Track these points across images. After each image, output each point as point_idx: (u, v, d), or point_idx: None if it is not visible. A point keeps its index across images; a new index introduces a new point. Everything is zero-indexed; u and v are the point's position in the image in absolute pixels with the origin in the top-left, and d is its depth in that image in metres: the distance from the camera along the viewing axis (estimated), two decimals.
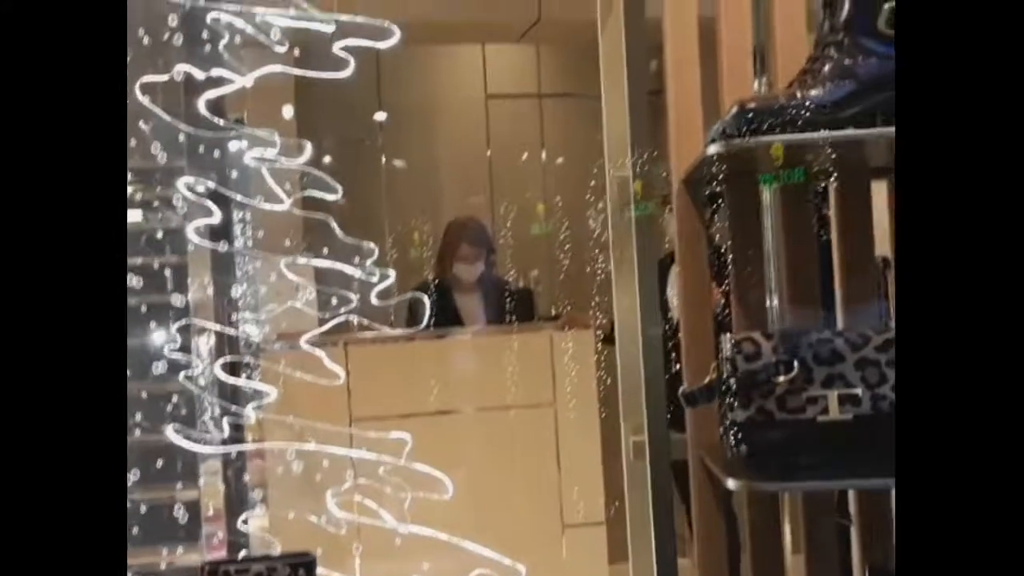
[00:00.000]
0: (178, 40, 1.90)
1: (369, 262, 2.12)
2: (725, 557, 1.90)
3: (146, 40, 1.88)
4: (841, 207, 1.93)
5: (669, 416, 2.06)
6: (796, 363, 1.55)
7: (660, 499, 2.03)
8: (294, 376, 2.10)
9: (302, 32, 2.01)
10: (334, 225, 2.12)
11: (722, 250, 1.97)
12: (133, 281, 1.92)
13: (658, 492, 2.03)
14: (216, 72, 1.91)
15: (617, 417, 2.30)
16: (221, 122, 1.76)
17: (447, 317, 4.21)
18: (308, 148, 1.96)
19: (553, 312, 5.18)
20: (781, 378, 1.54)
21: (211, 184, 1.94)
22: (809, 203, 1.89)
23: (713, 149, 1.58)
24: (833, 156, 1.65)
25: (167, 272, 2.18)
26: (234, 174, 1.87)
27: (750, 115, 1.55)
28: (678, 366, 1.94)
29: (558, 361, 3.80)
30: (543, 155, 6.00)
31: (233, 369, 2.04)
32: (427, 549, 2.56)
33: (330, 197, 2.05)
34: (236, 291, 2.05)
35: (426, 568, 2.82)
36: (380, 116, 5.61)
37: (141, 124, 1.88)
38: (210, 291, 2.11)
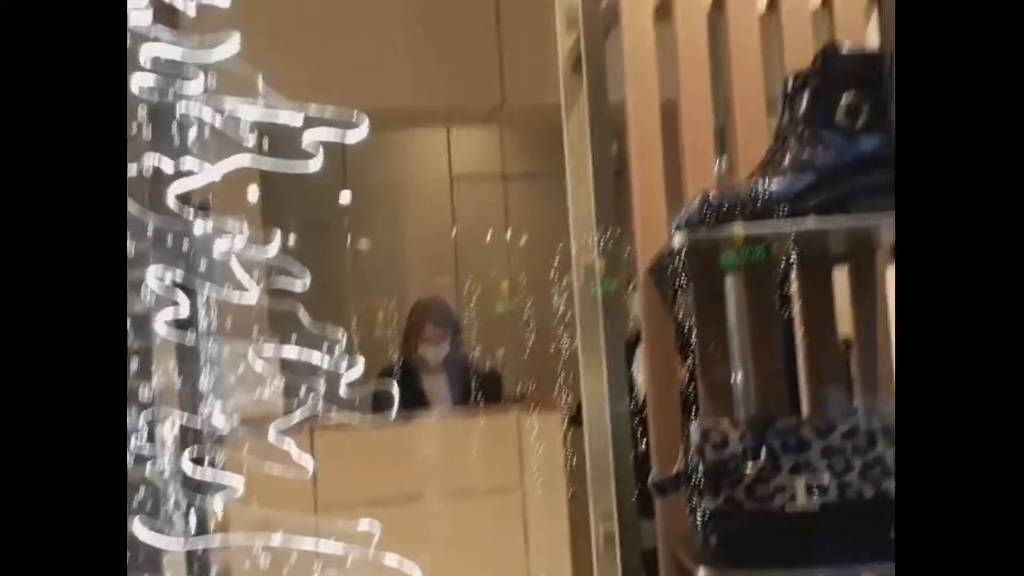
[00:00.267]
0: (147, 133, 1.91)
1: (337, 350, 2.12)
2: None
3: None
4: (803, 294, 1.96)
5: (637, 498, 2.06)
6: (763, 451, 1.56)
7: None
8: (260, 466, 2.08)
9: (270, 123, 2.03)
10: (302, 313, 2.12)
11: (686, 327, 1.99)
12: None
13: None
14: (184, 164, 1.92)
15: (585, 493, 2.30)
16: (190, 214, 1.77)
17: (413, 399, 4.20)
18: (277, 238, 1.96)
19: (519, 388, 5.19)
20: (749, 466, 1.55)
21: (179, 274, 1.94)
22: (771, 281, 1.92)
23: (677, 240, 1.60)
24: (795, 245, 1.68)
25: (133, 359, 2.16)
26: (202, 264, 1.87)
27: (713, 206, 1.58)
28: (645, 442, 1.95)
29: (525, 443, 3.79)
30: (508, 234, 6.05)
31: (198, 459, 2.02)
32: None
33: (297, 286, 2.05)
34: (202, 380, 2.04)
35: None
36: (345, 197, 5.64)
37: None
38: (176, 379, 2.10)
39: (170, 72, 1.90)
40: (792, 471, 1.55)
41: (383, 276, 5.72)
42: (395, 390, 2.34)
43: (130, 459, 1.92)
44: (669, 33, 1.92)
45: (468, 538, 3.65)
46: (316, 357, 2.09)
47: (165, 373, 2.07)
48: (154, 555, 1.99)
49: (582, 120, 2.13)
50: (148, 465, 1.93)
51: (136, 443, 1.94)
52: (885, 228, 1.68)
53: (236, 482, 1.96)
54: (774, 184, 1.59)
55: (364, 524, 2.26)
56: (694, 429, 1.62)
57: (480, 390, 4.36)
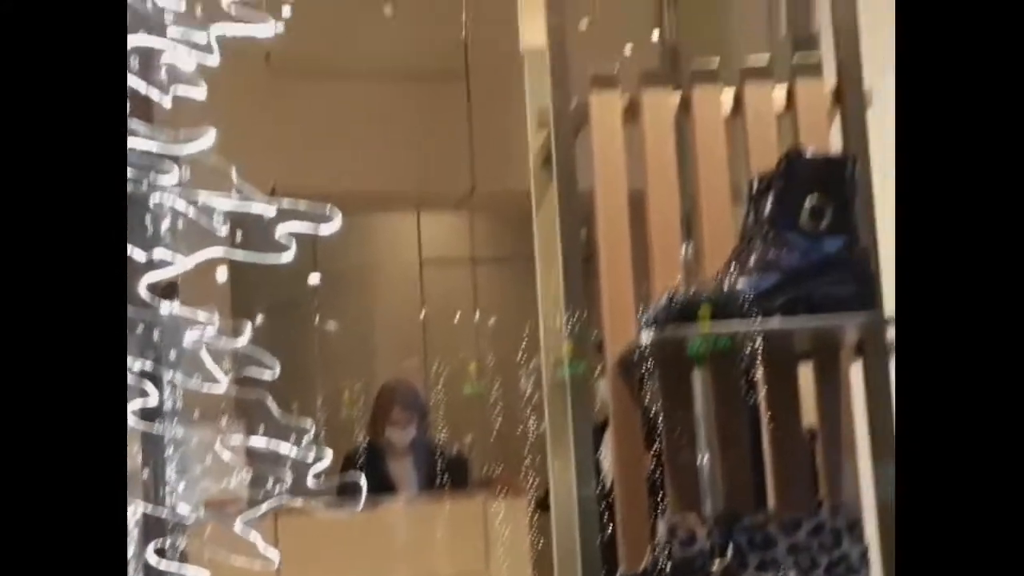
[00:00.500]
0: None
1: (305, 440, 2.12)
2: None
3: None
4: (768, 387, 1.98)
5: None
6: (730, 548, 1.57)
7: None
8: (224, 555, 2.06)
9: (243, 214, 2.04)
10: (271, 402, 2.12)
11: (654, 416, 2.01)
12: None
13: None
14: (157, 255, 1.93)
15: None
16: (161, 305, 1.77)
17: (379, 484, 4.17)
18: (248, 329, 1.97)
19: (485, 471, 5.16)
20: (716, 563, 1.56)
21: (148, 364, 1.94)
22: (737, 374, 1.94)
23: (645, 337, 1.62)
24: (760, 342, 1.70)
25: None
26: (172, 353, 1.88)
27: (679, 304, 1.61)
28: (612, 528, 1.95)
29: (491, 528, 3.77)
30: (476, 317, 6.06)
31: (161, 550, 2.00)
32: None
33: (266, 375, 2.05)
34: (168, 469, 2.03)
35: None
36: (315, 279, 5.65)
37: None
38: (140, 468, 2.09)
39: (145, 164, 1.92)
40: (759, 568, 1.56)
41: (351, 358, 5.71)
42: (362, 481, 2.31)
43: None
44: (637, 132, 1.97)
45: None
46: (284, 448, 2.08)
47: (130, 460, 2.04)
48: None
49: (552, 210, 2.16)
50: None
51: None
52: (848, 327, 1.72)
53: (200, 575, 1.94)
54: (740, 283, 1.63)
55: None
56: (661, 525, 1.62)
57: (446, 474, 4.34)
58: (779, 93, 1.94)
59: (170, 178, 1.93)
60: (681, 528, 1.59)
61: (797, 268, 1.62)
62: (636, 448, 1.94)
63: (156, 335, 2.00)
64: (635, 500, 1.91)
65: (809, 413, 2.01)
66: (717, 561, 1.55)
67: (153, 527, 2.09)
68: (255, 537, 2.08)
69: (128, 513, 1.99)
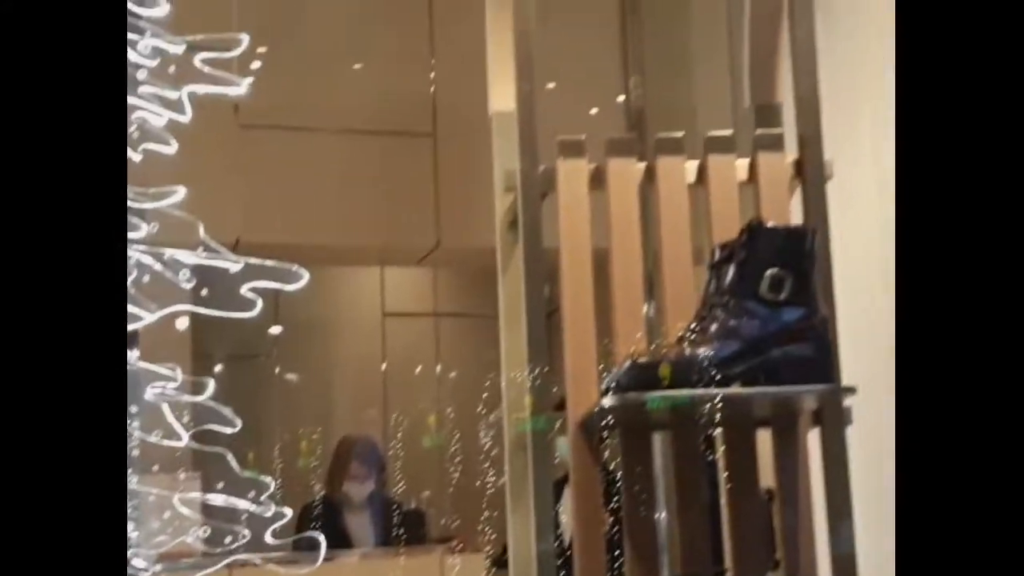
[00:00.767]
0: None
1: (264, 496, 2.11)
2: None
3: None
4: (727, 451, 2.00)
5: None
6: None
7: None
8: None
9: (208, 269, 2.05)
10: (230, 458, 2.12)
11: (613, 471, 2.02)
12: None
13: None
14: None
15: None
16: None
17: (336, 537, 4.15)
18: (211, 385, 1.97)
19: (443, 523, 5.14)
20: None
21: None
22: (696, 437, 1.96)
23: (607, 402, 1.65)
24: (720, 408, 1.73)
25: None
26: (132, 407, 1.88)
27: (641, 371, 1.64)
28: None
29: None
30: (437, 370, 6.07)
31: None
32: None
33: (227, 430, 2.05)
34: (128, 527, 2.02)
35: None
36: (277, 330, 5.64)
37: None
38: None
39: None
40: None
41: (311, 409, 5.69)
42: (321, 538, 2.30)
43: None
44: (603, 198, 2.00)
45: None
46: (242, 504, 2.08)
47: None
48: None
49: (517, 271, 2.18)
50: None
51: None
52: (807, 396, 1.75)
53: None
54: (701, 350, 1.65)
55: None
56: None
57: (404, 529, 4.32)
58: (742, 165, 1.98)
59: (138, 233, 1.94)
60: None
61: (757, 337, 1.65)
62: (595, 506, 1.95)
63: None
64: (593, 557, 1.92)
65: (767, 473, 2.03)
66: None
67: None
68: None
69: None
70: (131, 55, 1.95)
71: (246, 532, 2.20)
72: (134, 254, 1.92)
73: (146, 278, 1.97)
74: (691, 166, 1.99)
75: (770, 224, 1.72)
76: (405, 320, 5.97)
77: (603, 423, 1.84)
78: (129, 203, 1.97)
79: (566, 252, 2.01)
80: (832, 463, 1.91)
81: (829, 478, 1.92)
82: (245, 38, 2.22)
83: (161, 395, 1.95)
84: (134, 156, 2.03)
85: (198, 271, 2.05)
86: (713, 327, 1.67)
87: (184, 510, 2.09)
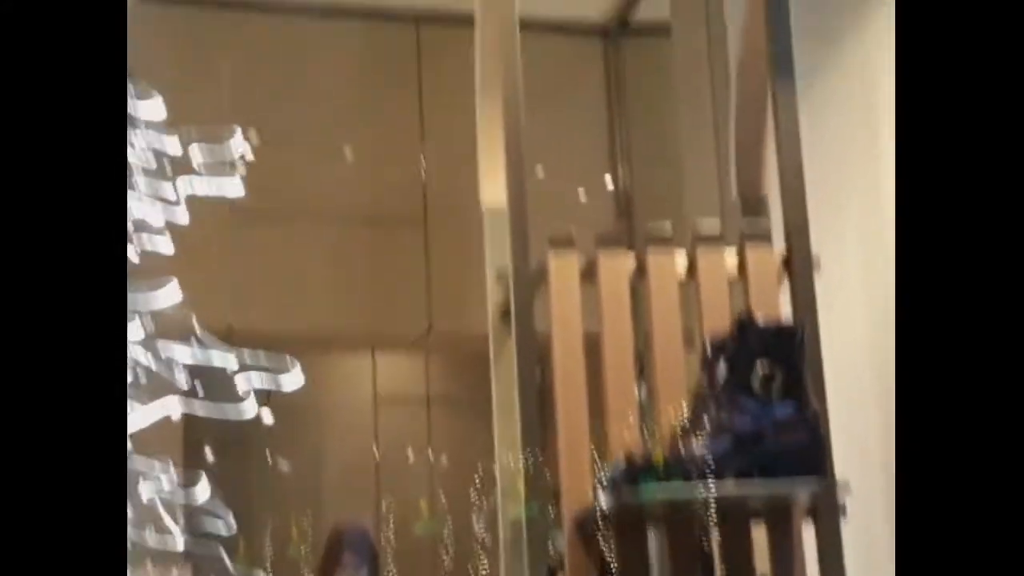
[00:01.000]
0: None
1: None
2: None
3: None
4: (722, 542, 2.00)
5: None
6: None
7: None
8: None
9: (204, 366, 2.06)
10: (223, 554, 2.10)
11: (607, 560, 2.01)
12: None
13: None
14: None
15: None
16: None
17: None
18: (204, 482, 1.97)
19: None
20: None
21: None
22: (692, 529, 1.96)
23: (602, 499, 1.65)
24: (714, 502, 1.73)
25: None
26: (128, 510, 1.87)
27: (636, 468, 1.65)
28: None
29: None
30: (430, 455, 6.03)
31: None
32: None
33: (222, 529, 2.05)
34: None
35: None
36: (267, 416, 5.62)
37: None
38: None
39: None
40: None
41: (303, 496, 5.64)
42: None
43: None
44: (594, 290, 2.02)
45: None
46: None
47: None
48: None
49: (510, 361, 2.19)
50: None
51: None
52: (800, 491, 1.75)
53: None
54: (694, 446, 1.67)
55: None
56: None
57: None
58: (731, 257, 2.01)
59: (134, 330, 1.96)
60: None
61: (750, 432, 1.67)
62: None
63: None
64: None
65: (763, 561, 2.03)
66: None
67: None
68: None
69: None
70: (128, 153, 1.98)
71: None
72: (133, 352, 1.93)
73: (141, 375, 1.98)
74: (681, 259, 2.01)
75: (760, 320, 1.74)
76: (397, 405, 5.95)
77: (598, 519, 1.84)
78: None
79: (558, 341, 2.03)
80: (827, 556, 1.91)
81: (824, 570, 1.92)
82: (238, 130, 2.26)
83: (155, 493, 1.95)
84: (132, 256, 2.05)
85: (193, 368, 2.06)
86: (705, 422, 1.68)
87: None
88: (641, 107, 5.30)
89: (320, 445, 5.96)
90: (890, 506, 1.16)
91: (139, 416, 1.89)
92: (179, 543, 1.98)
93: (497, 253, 2.14)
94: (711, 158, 4.16)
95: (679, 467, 1.63)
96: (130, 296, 1.86)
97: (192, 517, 2.04)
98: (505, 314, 2.13)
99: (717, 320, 1.93)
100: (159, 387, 1.99)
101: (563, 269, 1.99)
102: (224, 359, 1.92)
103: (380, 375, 5.89)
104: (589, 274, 2.02)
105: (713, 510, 1.80)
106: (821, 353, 1.91)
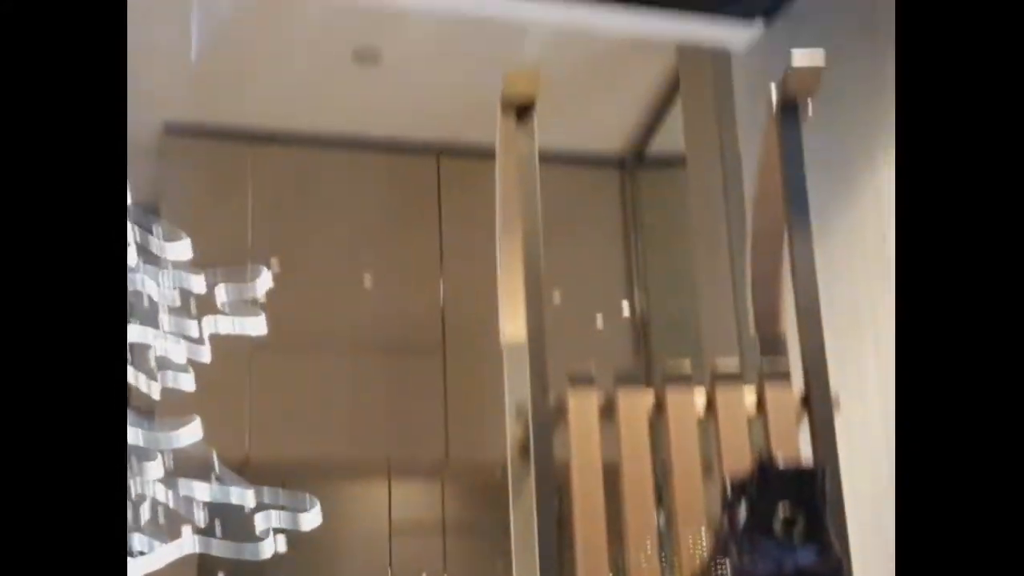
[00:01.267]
0: None
1: None
2: None
3: None
4: None
5: None
6: None
7: None
8: None
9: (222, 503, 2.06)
10: None
11: None
12: None
13: None
14: (134, 543, 1.94)
15: None
16: None
17: None
18: None
19: None
20: None
21: None
22: None
23: None
24: None
25: None
26: None
27: None
28: None
29: None
30: None
31: None
32: None
33: None
34: None
35: None
36: (281, 543, 5.56)
37: None
38: None
39: (128, 454, 1.95)
40: None
41: None
42: None
43: None
44: (613, 426, 2.03)
45: None
46: None
47: None
48: None
49: (529, 494, 2.18)
50: None
51: None
52: None
53: None
54: None
55: None
56: None
57: None
58: (749, 395, 2.01)
59: (155, 467, 1.97)
60: None
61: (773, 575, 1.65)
62: None
63: None
64: None
65: None
66: None
67: None
68: None
69: None
70: (154, 292, 2.02)
71: None
72: (148, 489, 1.93)
73: (160, 513, 1.98)
74: (700, 396, 2.01)
75: (781, 463, 1.74)
76: (413, 533, 5.89)
77: None
78: (146, 438, 1.99)
79: (577, 473, 2.02)
80: None
81: None
82: (264, 270, 2.30)
83: None
84: (153, 389, 2.06)
85: (211, 506, 2.06)
86: (727, 568, 1.67)
87: None
88: (657, 235, 5.37)
89: (335, 572, 5.88)
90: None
91: (157, 556, 1.88)
92: None
93: (516, 387, 2.15)
94: (727, 286, 4.19)
95: None
96: (152, 435, 1.87)
97: None
98: (524, 449, 2.12)
99: (736, 457, 1.92)
100: (177, 525, 1.99)
101: (582, 406, 2.00)
102: (243, 496, 1.92)
103: (396, 502, 5.85)
104: (608, 410, 2.02)
105: None
106: (843, 495, 1.89)
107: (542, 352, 2.01)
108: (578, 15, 3.91)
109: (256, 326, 2.11)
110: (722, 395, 1.99)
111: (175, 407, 2.37)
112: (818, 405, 1.96)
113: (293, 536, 5.54)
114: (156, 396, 2.01)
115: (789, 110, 2.06)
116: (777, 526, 1.66)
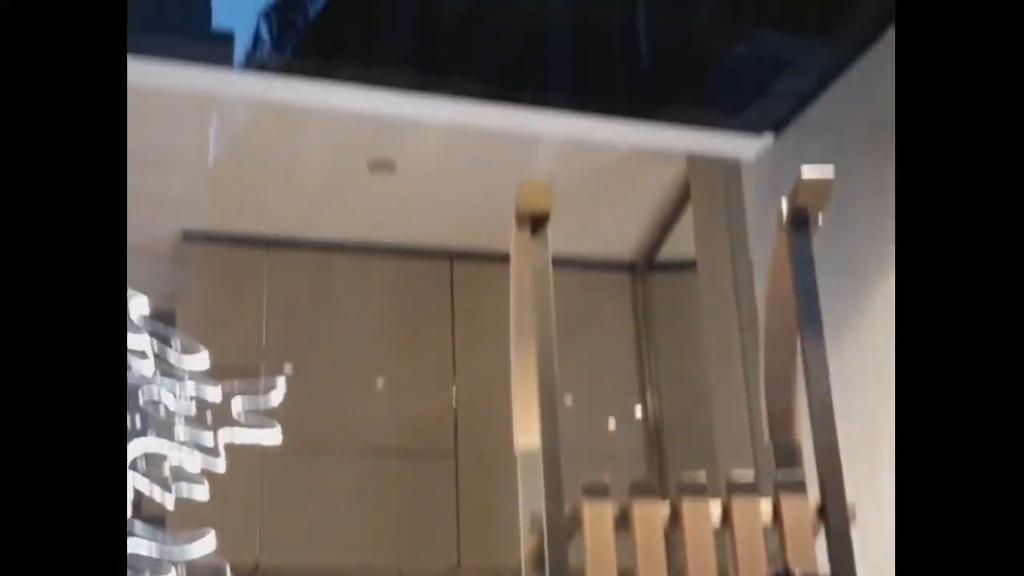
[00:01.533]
0: None
1: None
2: None
3: None
4: None
5: None
6: None
7: None
8: None
9: None
10: None
11: None
12: None
13: None
14: None
15: None
16: None
17: None
18: None
19: None
20: None
21: None
22: None
23: None
24: None
25: None
26: None
27: None
28: None
29: None
30: None
31: None
32: None
33: None
34: None
35: None
36: None
37: None
38: None
39: (142, 566, 1.95)
40: None
41: None
42: None
43: None
44: (628, 536, 2.02)
45: None
46: None
47: None
48: None
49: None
50: None
51: None
52: None
53: None
54: None
55: None
56: None
57: None
58: (765, 505, 2.01)
59: None
60: None
61: None
62: None
63: None
64: None
65: None
66: None
67: None
68: None
69: None
70: (171, 402, 2.03)
71: None
72: None
73: None
74: (715, 507, 2.01)
75: (798, 574, 1.72)
76: None
77: None
78: (159, 550, 1.99)
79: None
80: None
81: None
82: (280, 381, 2.32)
83: None
84: (167, 500, 2.07)
85: None
86: None
87: None
88: (669, 339, 5.38)
89: None
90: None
91: None
92: None
93: (531, 497, 2.14)
94: (739, 389, 4.19)
95: None
96: (166, 548, 1.87)
97: None
98: (539, 563, 2.11)
99: (753, 568, 1.91)
100: None
101: (598, 518, 1.99)
102: None
103: None
104: (623, 523, 2.01)
105: None
106: None
107: (557, 463, 2.01)
108: (589, 127, 3.99)
109: (271, 437, 2.12)
110: (738, 506, 1.98)
111: (187, 514, 2.36)
112: (834, 516, 1.95)
113: None
114: (170, 507, 2.01)
115: (799, 222, 2.09)
116: None
